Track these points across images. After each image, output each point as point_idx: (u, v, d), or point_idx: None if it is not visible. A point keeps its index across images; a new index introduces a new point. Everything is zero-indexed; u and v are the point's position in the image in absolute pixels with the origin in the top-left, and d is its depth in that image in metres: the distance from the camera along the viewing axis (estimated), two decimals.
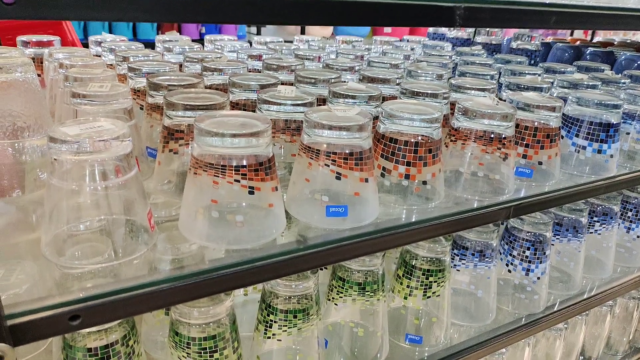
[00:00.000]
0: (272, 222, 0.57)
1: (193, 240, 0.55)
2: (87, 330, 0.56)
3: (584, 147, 0.86)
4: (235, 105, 0.76)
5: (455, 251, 0.85)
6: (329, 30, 3.64)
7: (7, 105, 0.84)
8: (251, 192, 0.54)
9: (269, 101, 0.68)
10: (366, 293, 0.72)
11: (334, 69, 0.97)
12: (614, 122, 0.85)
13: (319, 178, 0.61)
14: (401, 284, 0.79)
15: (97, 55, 1.08)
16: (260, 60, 1.08)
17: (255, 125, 0.55)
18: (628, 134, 0.97)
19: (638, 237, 1.08)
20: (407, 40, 1.52)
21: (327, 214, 0.60)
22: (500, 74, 1.09)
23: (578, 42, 1.82)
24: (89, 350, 0.55)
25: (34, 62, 0.92)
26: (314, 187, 0.61)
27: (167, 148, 0.65)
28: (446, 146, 0.76)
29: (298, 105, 0.68)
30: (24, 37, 1.06)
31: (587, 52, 1.62)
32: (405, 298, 0.78)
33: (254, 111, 0.71)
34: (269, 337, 0.65)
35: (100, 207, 0.50)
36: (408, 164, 0.67)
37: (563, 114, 0.88)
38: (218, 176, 0.53)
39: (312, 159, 0.61)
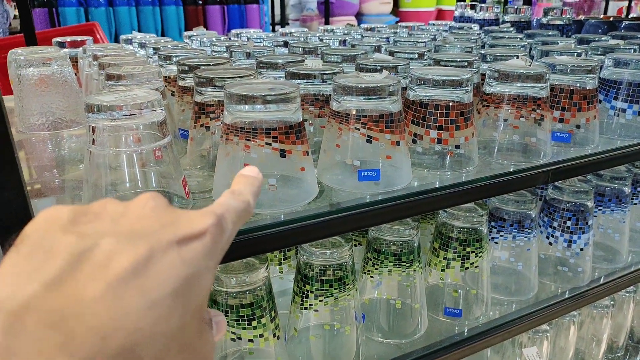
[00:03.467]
0: (305, 185, 0.57)
1: None
2: None
3: (624, 110, 0.83)
4: None
5: (493, 223, 0.83)
6: (352, 22, 3.65)
7: (46, 99, 0.88)
8: (282, 156, 0.54)
9: (296, 74, 0.69)
10: (402, 264, 0.71)
11: (360, 48, 0.96)
12: None
13: (350, 143, 0.60)
14: (437, 256, 0.77)
15: None
16: (286, 47, 1.09)
17: (284, 89, 0.55)
18: None
19: None
20: (433, 24, 1.50)
21: (360, 178, 0.60)
22: (531, 47, 1.06)
23: (612, 18, 1.76)
24: None
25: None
26: (345, 153, 0.61)
27: (198, 123, 0.66)
28: (479, 113, 0.75)
29: (325, 75, 0.68)
30: (59, 38, 1.10)
31: (622, 25, 1.56)
32: (443, 270, 0.77)
33: None
34: (305, 308, 0.65)
35: (136, 172, 0.51)
36: (440, 128, 0.66)
37: (600, 78, 0.85)
38: (249, 140, 0.54)
39: (342, 124, 0.60)
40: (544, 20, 1.44)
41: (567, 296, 0.86)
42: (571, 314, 0.98)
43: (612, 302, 1.03)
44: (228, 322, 0.59)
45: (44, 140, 0.87)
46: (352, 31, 1.31)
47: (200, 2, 3.26)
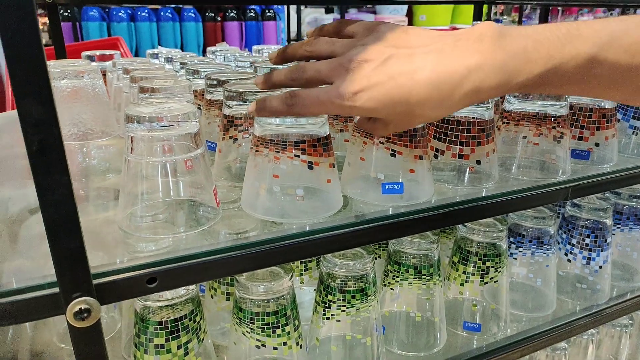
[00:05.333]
0: (330, 197, 0.59)
1: (255, 215, 0.57)
2: (158, 304, 0.59)
3: None
4: None
5: (512, 239, 0.84)
6: None
7: (78, 110, 0.91)
8: (310, 168, 0.56)
9: None
10: (422, 276, 0.72)
11: None
12: None
13: (374, 156, 0.62)
14: (457, 270, 0.78)
15: None
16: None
17: None
18: None
19: None
20: None
21: (384, 191, 0.62)
22: None
23: None
24: (160, 323, 0.58)
25: None
26: (369, 166, 0.63)
27: (227, 135, 0.68)
28: (498, 129, 0.76)
29: None
30: (88, 52, 1.14)
31: None
32: (462, 285, 0.78)
33: None
34: (327, 318, 0.66)
35: (169, 181, 0.53)
36: (461, 143, 0.68)
37: None
38: (279, 152, 0.56)
39: (367, 137, 0.62)
40: None
41: (585, 314, 0.86)
42: (589, 332, 0.98)
43: (630, 322, 1.02)
44: (253, 329, 0.60)
45: (76, 149, 0.90)
46: None
47: (219, 19, 3.34)
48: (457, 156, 0.68)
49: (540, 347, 0.81)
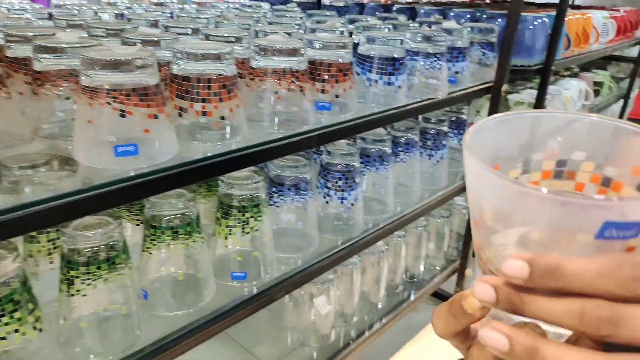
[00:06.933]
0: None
1: None
2: None
3: (376, 81, 0.96)
4: None
5: (274, 189, 0.89)
6: None
7: None
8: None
9: (44, 47, 0.63)
10: (180, 236, 0.72)
11: (135, 22, 0.93)
12: (399, 57, 0.96)
13: (103, 118, 0.58)
14: (220, 225, 0.80)
15: None
16: (51, 20, 0.98)
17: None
18: (422, 72, 1.10)
19: (438, 162, 1.25)
20: (226, 2, 1.52)
21: (116, 154, 0.59)
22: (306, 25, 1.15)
23: (389, 2, 2.00)
24: None
25: None
26: (99, 129, 0.59)
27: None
28: (248, 86, 0.79)
29: (75, 49, 0.64)
30: None
31: (394, 8, 1.78)
32: (226, 238, 0.80)
33: None
34: (72, 295, 0.62)
35: None
36: (204, 100, 0.68)
37: (358, 53, 0.97)
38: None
39: (93, 99, 0.58)
40: (327, 2, 1.57)
41: (344, 246, 0.97)
42: (352, 261, 1.12)
43: (386, 247, 1.20)
44: None
45: None
46: (137, 5, 1.25)
47: None
48: (200, 113, 0.68)
49: (304, 282, 0.90)
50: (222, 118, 0.70)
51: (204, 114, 0.69)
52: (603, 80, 2.22)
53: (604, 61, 2.47)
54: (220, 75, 0.68)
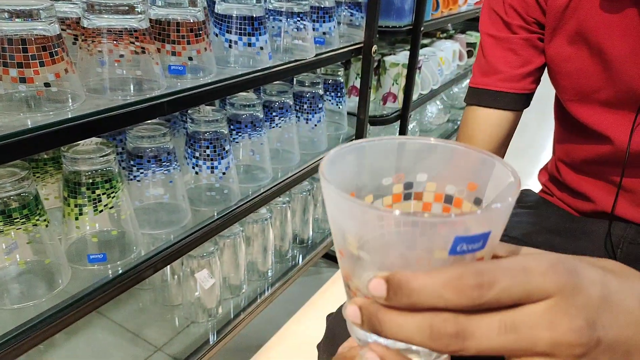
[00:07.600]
0: None
1: None
2: None
3: (236, 42, 0.92)
4: None
5: (133, 162, 0.83)
6: None
7: None
8: None
9: None
10: (15, 221, 0.65)
11: None
12: (259, 16, 0.92)
13: None
14: (69, 205, 0.73)
15: None
16: None
17: None
18: (287, 33, 1.07)
19: (316, 125, 1.25)
20: None
21: None
22: None
23: None
24: None
25: None
26: None
27: None
28: (81, 48, 0.71)
29: None
30: None
31: None
32: (77, 219, 0.74)
33: None
34: None
35: None
36: (20, 65, 0.60)
37: (215, 13, 0.92)
38: None
39: None
40: None
41: (220, 216, 0.94)
42: (234, 231, 1.10)
43: (270, 214, 1.19)
44: None
45: None
46: None
47: None
48: (18, 80, 0.60)
49: (178, 255, 0.86)
50: (47, 85, 0.63)
51: (23, 80, 0.61)
52: (476, 42, 2.36)
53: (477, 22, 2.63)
54: (38, 35, 0.61)
